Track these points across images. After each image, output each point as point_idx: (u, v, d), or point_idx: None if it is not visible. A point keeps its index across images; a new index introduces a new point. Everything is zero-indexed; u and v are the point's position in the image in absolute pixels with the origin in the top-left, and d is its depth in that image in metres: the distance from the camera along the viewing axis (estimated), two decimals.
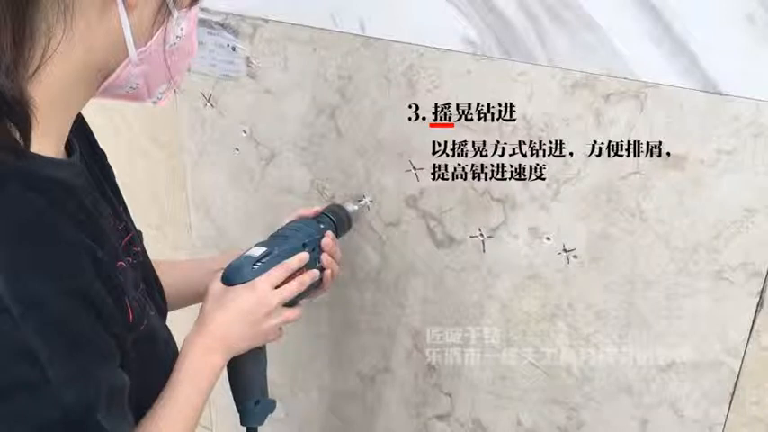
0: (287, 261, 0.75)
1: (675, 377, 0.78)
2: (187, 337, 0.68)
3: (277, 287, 0.73)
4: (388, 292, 0.96)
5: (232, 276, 0.72)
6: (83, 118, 0.62)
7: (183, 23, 0.55)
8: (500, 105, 0.78)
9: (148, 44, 0.53)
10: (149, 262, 0.70)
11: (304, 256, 0.77)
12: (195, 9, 0.56)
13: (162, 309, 0.70)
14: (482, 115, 0.79)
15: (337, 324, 1.03)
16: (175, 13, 0.53)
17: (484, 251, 0.86)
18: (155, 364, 0.63)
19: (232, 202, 1.08)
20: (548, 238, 0.80)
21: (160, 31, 0.53)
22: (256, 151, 1.01)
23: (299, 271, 0.76)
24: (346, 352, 1.04)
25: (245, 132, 1.01)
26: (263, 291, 0.71)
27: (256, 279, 0.72)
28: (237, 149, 1.03)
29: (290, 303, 0.75)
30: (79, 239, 0.50)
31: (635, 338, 0.79)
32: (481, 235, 0.85)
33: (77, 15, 0.48)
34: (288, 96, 0.95)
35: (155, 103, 0.58)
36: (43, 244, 0.48)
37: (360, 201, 0.92)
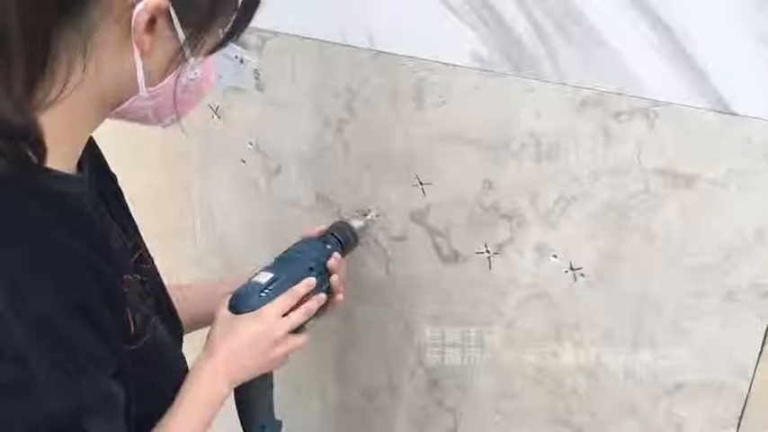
0: (294, 288, 0.75)
1: (683, 399, 0.77)
2: (194, 364, 0.68)
3: (284, 315, 0.73)
4: (392, 307, 0.95)
5: (240, 304, 0.72)
6: (94, 142, 0.63)
7: (197, 69, 0.56)
8: (508, 122, 0.78)
9: (160, 84, 0.55)
10: (161, 282, 0.70)
11: (311, 282, 0.77)
12: (213, 58, 0.57)
13: (175, 328, 0.70)
14: (490, 132, 0.80)
15: (340, 339, 1.03)
16: (191, 61, 0.55)
17: (490, 268, 0.85)
18: (160, 379, 0.63)
19: (237, 214, 1.08)
20: (555, 256, 0.80)
21: (173, 75, 0.55)
22: (263, 164, 1.02)
23: (306, 296, 0.76)
24: (349, 367, 1.03)
25: (251, 144, 1.02)
26: (271, 320, 0.72)
27: (264, 308, 0.72)
28: (244, 161, 1.03)
29: (297, 329, 0.75)
30: (79, 249, 0.51)
31: (642, 359, 0.78)
32: (487, 251, 0.85)
33: (96, 56, 0.51)
34: (295, 109, 0.95)
35: (163, 127, 0.60)
36: (41, 251, 0.49)
37: (365, 215, 0.92)
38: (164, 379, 0.64)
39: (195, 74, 0.57)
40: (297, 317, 0.73)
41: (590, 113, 0.73)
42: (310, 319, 0.76)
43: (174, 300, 0.71)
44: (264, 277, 0.74)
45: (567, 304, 0.81)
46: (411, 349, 0.96)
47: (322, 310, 0.79)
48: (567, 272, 0.80)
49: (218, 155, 1.06)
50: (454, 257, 0.88)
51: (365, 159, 0.92)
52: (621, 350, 0.79)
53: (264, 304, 0.72)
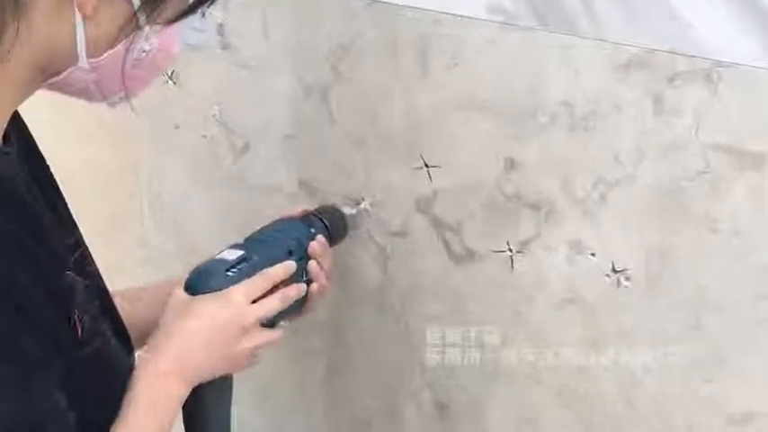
0: (269, 270, 0.75)
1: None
2: (141, 358, 0.69)
3: (255, 301, 0.72)
4: (392, 317, 0.96)
5: (199, 283, 0.71)
6: (19, 115, 0.64)
7: (153, 39, 0.57)
8: (535, 87, 0.79)
9: (105, 55, 0.56)
10: (105, 287, 0.71)
11: (290, 266, 0.77)
12: (176, 26, 0.58)
13: (124, 340, 0.71)
14: (513, 100, 0.80)
15: (328, 356, 1.04)
16: (146, 29, 0.56)
17: (512, 269, 0.86)
18: (109, 395, 0.64)
19: (198, 202, 1.08)
20: (592, 255, 0.81)
21: (123, 43, 0.56)
22: (228, 140, 1.02)
23: (283, 283, 0.76)
24: (340, 391, 1.04)
25: (215, 116, 1.02)
26: (239, 304, 0.71)
27: (231, 288, 0.71)
28: (205, 136, 1.04)
29: (269, 324, 0.75)
30: (14, 233, 0.52)
31: (699, 381, 0.78)
32: (509, 249, 0.85)
33: (29, 17, 0.52)
34: (269, 72, 0.95)
35: (110, 105, 0.61)
36: None
37: (358, 204, 0.93)
38: (114, 396, 0.65)
39: (150, 45, 0.57)
40: (271, 303, 0.73)
41: (636, 77, 0.74)
42: (285, 314, 0.77)
43: (121, 306, 0.72)
44: (232, 254, 0.74)
45: (608, 314, 0.81)
46: (415, 369, 0.96)
47: (299, 307, 0.80)
48: (608, 275, 0.80)
49: (174, 128, 1.07)
50: (468, 257, 0.89)
51: (357, 135, 0.92)
52: (674, 370, 0.79)
53: (231, 285, 0.71)
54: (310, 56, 0.91)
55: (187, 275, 0.75)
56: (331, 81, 0.91)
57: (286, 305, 0.76)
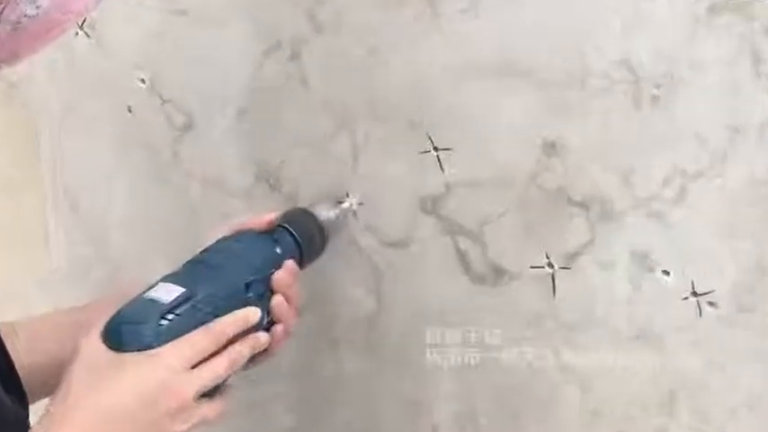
0: (219, 322, 0.72)
1: None
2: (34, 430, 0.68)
3: (196, 366, 0.70)
4: (388, 357, 0.95)
5: (123, 335, 0.70)
6: None
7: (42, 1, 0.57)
8: (584, 43, 0.77)
9: None
10: None
11: (250, 315, 0.75)
12: None
13: (14, 387, 0.71)
14: (554, 60, 0.79)
15: (298, 412, 1.02)
16: None
17: (554, 293, 0.84)
18: None
19: (123, 198, 1.07)
20: (666, 273, 0.78)
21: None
22: (163, 114, 1.01)
23: (237, 337, 0.74)
24: None
25: (143, 82, 1.01)
26: (175, 372, 0.69)
27: (164, 349, 0.69)
28: (131, 110, 1.02)
29: (211, 390, 0.73)
30: None
31: None
32: (550, 265, 0.83)
33: None
34: (217, 23, 0.94)
35: None
36: None
37: (340, 202, 0.91)
38: None
39: (37, 8, 0.56)
40: (217, 370, 0.71)
41: (725, 25, 0.71)
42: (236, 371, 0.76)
43: (8, 344, 0.72)
44: (169, 292, 0.72)
45: (688, 352, 0.79)
46: (421, 425, 0.95)
47: (259, 354, 0.79)
48: (686, 298, 0.78)
49: (88, 98, 1.06)
50: (493, 276, 0.87)
51: (341, 108, 0.90)
52: None
53: (165, 341, 0.69)
54: (275, 1, 0.91)
55: (103, 309, 0.73)
56: (305, 33, 0.90)
57: (237, 367, 0.74)
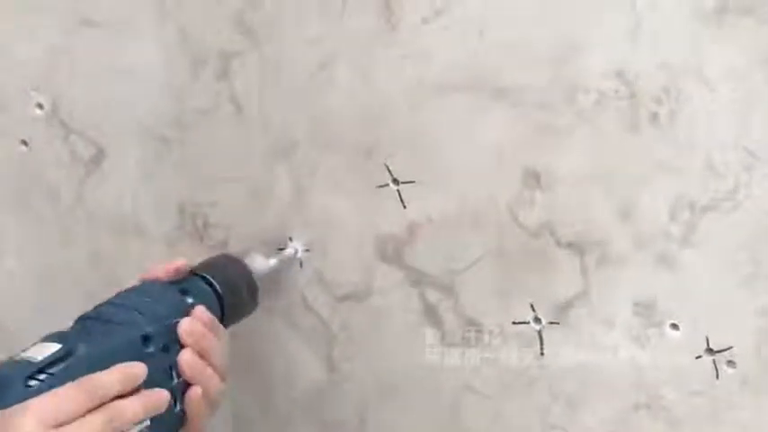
0: (93, 376, 0.68)
1: None
2: None
3: (61, 424, 0.65)
4: None
5: None
6: None
7: None
8: (574, 51, 0.74)
9: None
10: None
11: (135, 369, 0.71)
12: None
13: None
14: (537, 71, 0.76)
15: None
16: None
17: (542, 353, 0.80)
18: None
19: (15, 248, 1.08)
20: (674, 326, 0.74)
21: None
22: (66, 146, 1.00)
23: (130, 393, 0.70)
24: None
25: (41, 108, 0.99)
26: (29, 428, 0.64)
27: (21, 406, 0.65)
28: (26, 143, 1.01)
29: None
30: None
31: None
32: (537, 320, 0.80)
33: None
34: (132, 34, 0.93)
35: None
36: None
37: (281, 249, 0.88)
38: None
39: None
40: (86, 429, 0.66)
41: (735, 27, 0.68)
42: None
43: None
44: (45, 350, 0.69)
45: (702, 422, 0.75)
46: None
47: (170, 427, 0.75)
48: (700, 357, 0.74)
49: None
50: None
51: (281, 133, 0.88)
52: None
53: (29, 399, 0.67)
54: (202, 4, 0.87)
55: None
56: (238, 46, 0.87)
57: (127, 426, 0.68)
